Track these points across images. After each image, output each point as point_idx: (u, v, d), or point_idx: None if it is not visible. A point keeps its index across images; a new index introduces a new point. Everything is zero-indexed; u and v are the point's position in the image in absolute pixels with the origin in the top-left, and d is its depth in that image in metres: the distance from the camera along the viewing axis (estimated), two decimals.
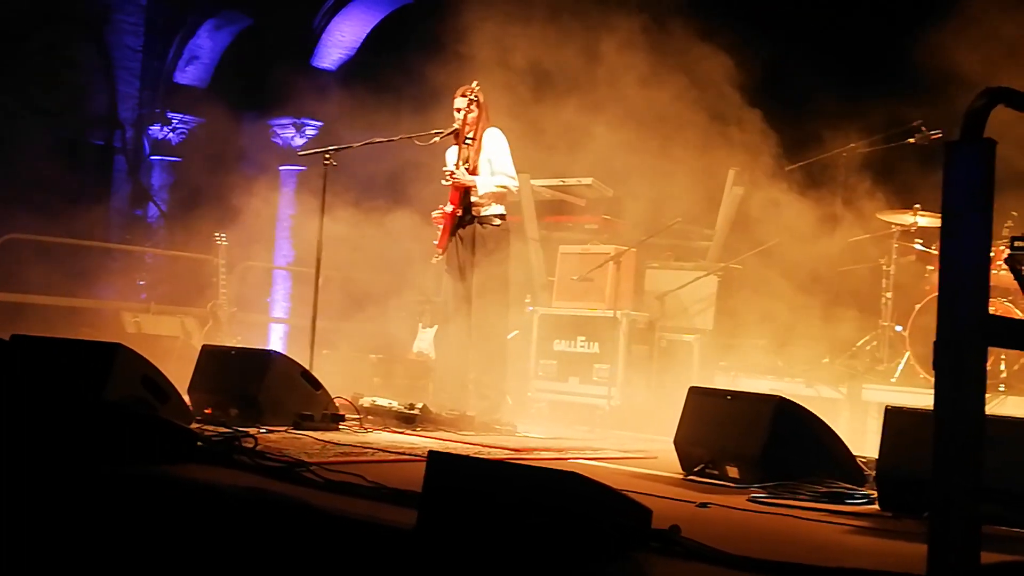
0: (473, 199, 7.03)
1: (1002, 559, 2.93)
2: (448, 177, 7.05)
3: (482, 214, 7.05)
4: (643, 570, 2.68)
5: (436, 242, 7.14)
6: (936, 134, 7.56)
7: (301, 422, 5.71)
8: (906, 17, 7.55)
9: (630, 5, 8.90)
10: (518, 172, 7.30)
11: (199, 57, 17.08)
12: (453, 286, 7.15)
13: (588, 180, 8.86)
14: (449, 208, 7.06)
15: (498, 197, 7.07)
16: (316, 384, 6.04)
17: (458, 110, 7.07)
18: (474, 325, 7.03)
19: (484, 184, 6.99)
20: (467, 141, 7.03)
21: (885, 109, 8.00)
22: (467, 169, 7.02)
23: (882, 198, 7.99)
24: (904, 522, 3.72)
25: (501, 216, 7.10)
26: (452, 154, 7.19)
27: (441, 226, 7.10)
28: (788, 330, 7.84)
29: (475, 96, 7.01)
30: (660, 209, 8.63)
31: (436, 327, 8.86)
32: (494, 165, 7.05)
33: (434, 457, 3.07)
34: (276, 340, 14.14)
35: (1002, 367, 6.90)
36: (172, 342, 10.67)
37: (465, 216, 7.07)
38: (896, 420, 3.98)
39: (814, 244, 8.12)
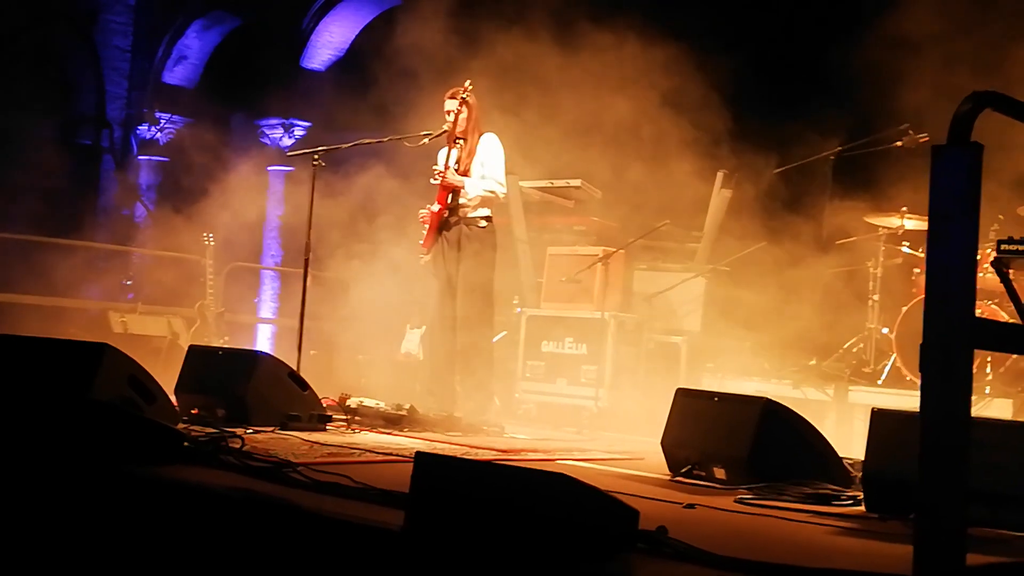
0: (460, 200, 7.04)
1: (987, 560, 2.94)
2: (437, 176, 7.05)
3: (468, 215, 7.05)
4: (630, 571, 2.69)
5: (421, 242, 7.14)
6: (923, 137, 7.58)
7: (288, 423, 5.70)
8: (897, 19, 7.58)
9: (618, 11, 8.91)
10: (507, 173, 7.30)
11: (187, 57, 17.05)
12: (438, 287, 7.15)
13: (576, 182, 8.86)
14: (436, 208, 7.06)
15: (485, 201, 7.07)
16: (303, 385, 6.03)
17: (448, 112, 7.08)
18: (459, 327, 7.02)
19: (472, 186, 7.00)
20: (458, 142, 7.03)
21: (872, 111, 8.03)
22: (458, 171, 7.03)
23: (869, 201, 8.02)
24: (890, 523, 3.73)
25: (487, 218, 7.10)
26: (444, 155, 7.19)
27: (427, 226, 7.11)
28: (775, 332, 7.86)
29: (466, 96, 7.01)
30: (648, 211, 8.64)
31: (423, 328, 8.86)
32: (485, 169, 7.06)
33: (421, 458, 3.07)
34: (264, 340, 14.12)
35: (988, 370, 6.93)
36: (159, 342, 10.65)
37: (451, 217, 7.07)
38: (882, 422, 3.99)
39: (801, 247, 8.14)
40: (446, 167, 7.02)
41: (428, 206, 7.13)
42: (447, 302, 7.10)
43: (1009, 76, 6.82)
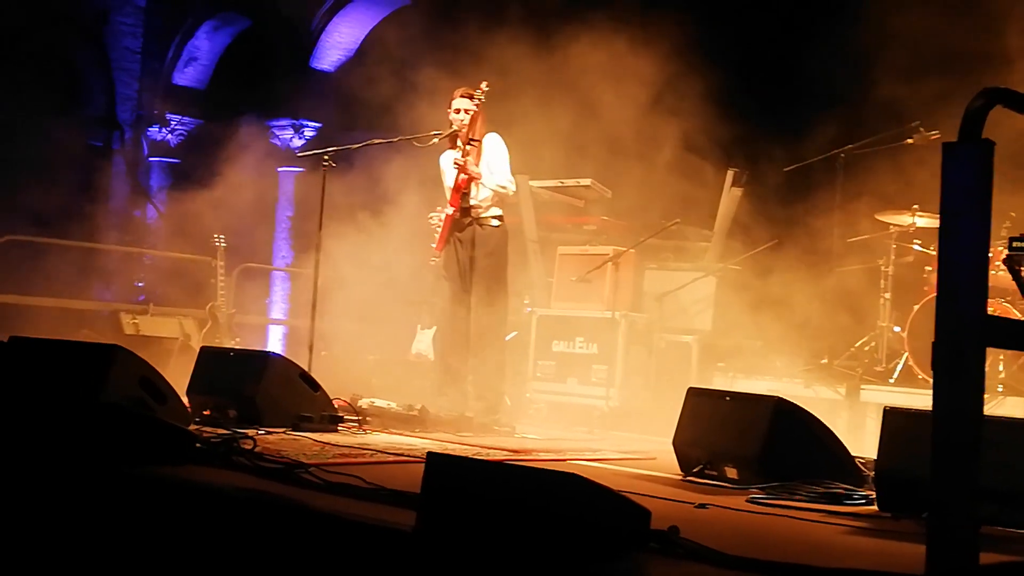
0: (472, 202, 7.03)
1: (1000, 559, 2.93)
2: (457, 163, 6.96)
3: (481, 216, 7.05)
4: (642, 571, 2.69)
5: (434, 244, 7.14)
6: (935, 134, 7.55)
7: (299, 423, 5.71)
8: (903, 17, 7.56)
9: (629, 10, 8.91)
10: (517, 173, 7.29)
11: (198, 58, 17.08)
12: (451, 287, 7.15)
13: (587, 181, 8.85)
14: (449, 210, 7.05)
15: (497, 200, 7.06)
16: (315, 385, 6.04)
17: (457, 111, 7.04)
18: (472, 327, 7.03)
19: (487, 180, 6.97)
20: (471, 143, 6.99)
21: (884, 109, 8.00)
22: None
23: (880, 199, 7.99)
24: (903, 522, 3.72)
25: (499, 218, 7.11)
26: (447, 157, 7.17)
27: (439, 229, 7.10)
28: (786, 331, 7.84)
29: (481, 98, 6.97)
30: (659, 210, 8.63)
31: (434, 328, 8.86)
32: (492, 168, 7.05)
33: (433, 458, 3.07)
34: (275, 341, 14.14)
35: (1000, 368, 6.90)
36: (171, 343, 10.67)
37: (464, 218, 7.07)
38: (894, 421, 3.98)
39: (812, 245, 8.12)
40: (465, 155, 6.95)
41: (441, 209, 7.12)
42: (460, 303, 7.10)
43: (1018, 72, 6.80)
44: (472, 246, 7.04)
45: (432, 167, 7.47)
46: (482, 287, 7.02)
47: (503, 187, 7.01)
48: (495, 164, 7.04)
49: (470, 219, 7.05)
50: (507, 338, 8.20)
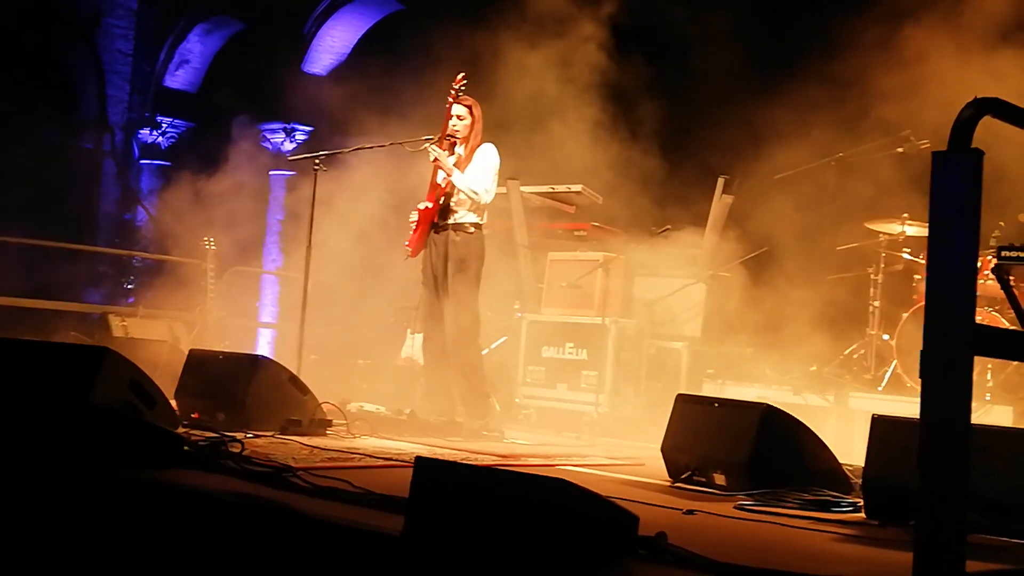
0: (452, 202, 6.94)
1: (987, 567, 2.94)
2: (432, 144, 6.90)
3: (457, 220, 6.95)
4: None
5: (407, 242, 7.04)
6: (925, 143, 7.58)
7: (288, 427, 5.70)
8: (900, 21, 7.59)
9: (620, 14, 8.92)
10: (509, 179, 7.26)
11: (189, 61, 17.08)
12: (427, 293, 7.09)
13: (578, 187, 8.85)
14: (421, 206, 6.97)
15: (474, 205, 6.95)
16: (304, 389, 6.02)
17: (449, 118, 7.00)
18: (446, 332, 6.95)
19: (460, 178, 6.87)
20: (449, 138, 6.95)
21: (875, 117, 8.03)
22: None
23: (870, 207, 8.02)
24: (890, 530, 3.73)
25: (477, 225, 7.00)
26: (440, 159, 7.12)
27: (414, 225, 7.02)
28: (776, 338, 7.85)
29: (460, 88, 6.93)
30: (650, 216, 8.64)
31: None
32: (472, 172, 6.98)
33: (421, 463, 3.06)
34: (264, 345, 14.11)
35: (988, 376, 6.92)
36: (160, 346, 10.63)
37: (440, 221, 6.98)
38: (883, 428, 3.99)
39: (802, 253, 8.13)
40: (442, 145, 6.89)
41: (417, 207, 7.03)
42: (434, 307, 7.03)
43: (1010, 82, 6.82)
44: (446, 252, 6.96)
45: (420, 173, 7.44)
46: (453, 293, 6.93)
47: (473, 191, 6.87)
48: (476, 170, 6.94)
49: (446, 224, 6.97)
50: (495, 344, 8.20)
